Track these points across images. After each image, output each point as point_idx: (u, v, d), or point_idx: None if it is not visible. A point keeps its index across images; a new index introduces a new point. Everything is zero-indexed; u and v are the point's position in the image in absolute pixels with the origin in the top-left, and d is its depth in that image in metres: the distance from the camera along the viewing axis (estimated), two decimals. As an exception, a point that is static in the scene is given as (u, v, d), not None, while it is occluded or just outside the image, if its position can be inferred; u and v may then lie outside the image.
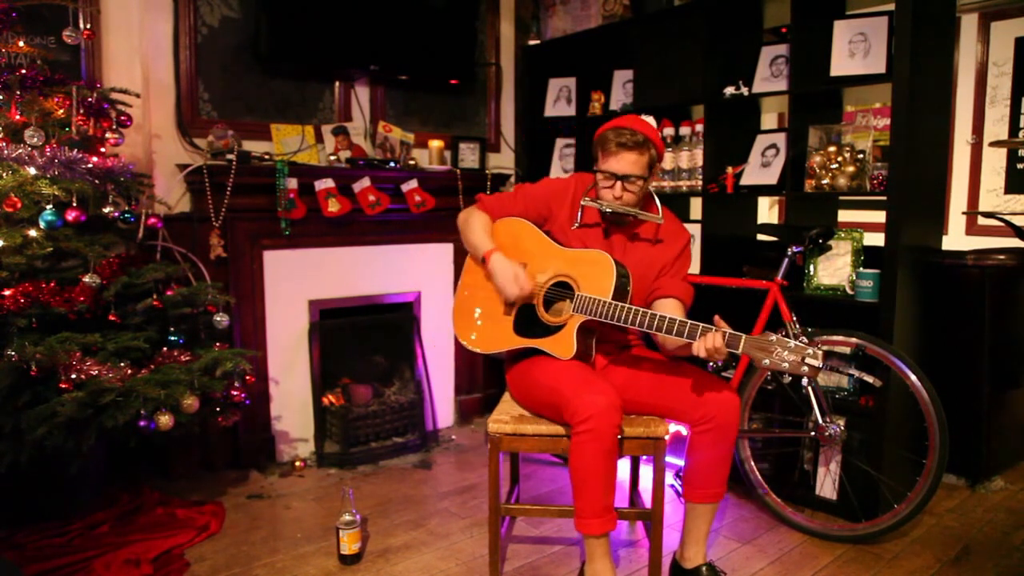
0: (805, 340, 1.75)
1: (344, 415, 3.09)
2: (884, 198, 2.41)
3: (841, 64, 2.54)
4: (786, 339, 1.68)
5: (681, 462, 2.77)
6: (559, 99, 3.64)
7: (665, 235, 2.09)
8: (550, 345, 1.99)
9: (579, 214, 2.11)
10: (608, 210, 2.02)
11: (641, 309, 1.86)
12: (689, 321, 1.79)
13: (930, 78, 2.44)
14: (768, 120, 3.22)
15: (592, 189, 2.09)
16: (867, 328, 2.37)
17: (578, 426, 1.79)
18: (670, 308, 2.01)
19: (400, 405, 3.28)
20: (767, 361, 1.68)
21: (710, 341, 1.72)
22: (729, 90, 2.86)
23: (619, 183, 1.98)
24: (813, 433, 2.38)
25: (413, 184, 3.19)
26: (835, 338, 2.40)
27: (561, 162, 3.73)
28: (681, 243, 2.11)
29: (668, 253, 2.09)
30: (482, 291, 2.16)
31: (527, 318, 2.06)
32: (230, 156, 2.77)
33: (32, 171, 2.12)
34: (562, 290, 2.03)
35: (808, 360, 1.65)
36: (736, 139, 2.96)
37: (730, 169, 2.88)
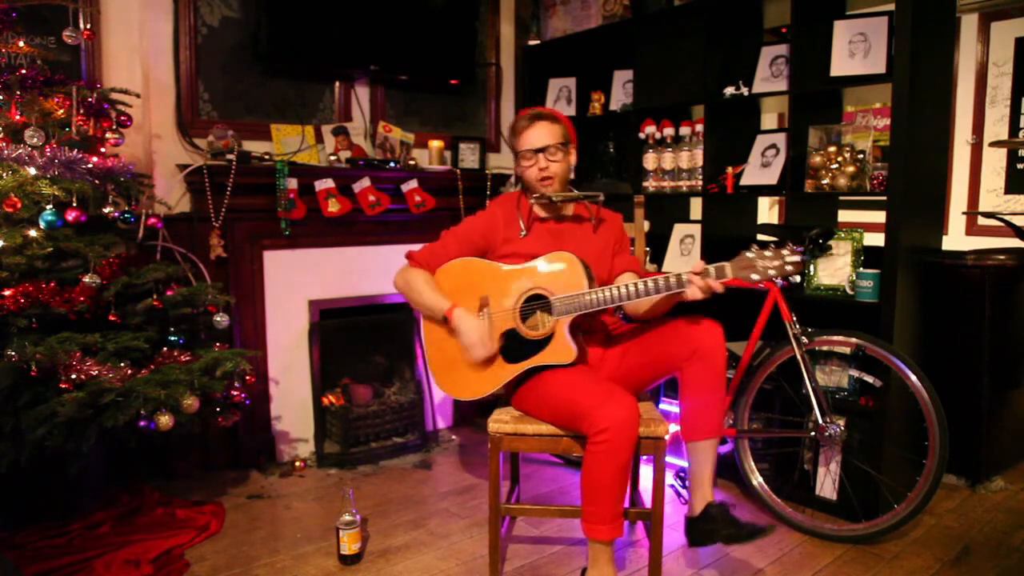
0: (774, 247, 1.83)
1: (344, 415, 3.09)
2: (884, 198, 2.41)
3: (841, 64, 2.54)
4: (761, 250, 1.80)
5: (681, 463, 2.78)
6: (559, 99, 3.64)
7: (603, 216, 2.22)
8: (548, 357, 1.99)
9: (521, 222, 2.13)
10: (556, 199, 2.07)
11: (621, 284, 1.92)
12: (671, 273, 1.86)
13: (930, 78, 2.44)
14: (768, 120, 3.22)
15: (523, 197, 2.15)
16: (867, 328, 2.37)
17: (595, 437, 1.78)
18: (630, 279, 2.13)
19: (400, 405, 3.27)
20: (756, 276, 1.80)
21: (700, 281, 1.81)
22: (729, 90, 2.86)
23: (541, 155, 2.05)
24: (813, 433, 2.38)
25: (413, 184, 3.19)
26: (835, 338, 2.40)
27: (561, 162, 3.72)
28: (618, 220, 2.26)
29: (613, 232, 2.22)
30: (453, 342, 2.10)
31: (514, 344, 2.04)
32: (230, 156, 2.77)
33: (32, 171, 2.12)
34: (535, 302, 2.02)
35: (788, 259, 1.78)
36: (736, 139, 2.96)
37: (730, 169, 2.88)
